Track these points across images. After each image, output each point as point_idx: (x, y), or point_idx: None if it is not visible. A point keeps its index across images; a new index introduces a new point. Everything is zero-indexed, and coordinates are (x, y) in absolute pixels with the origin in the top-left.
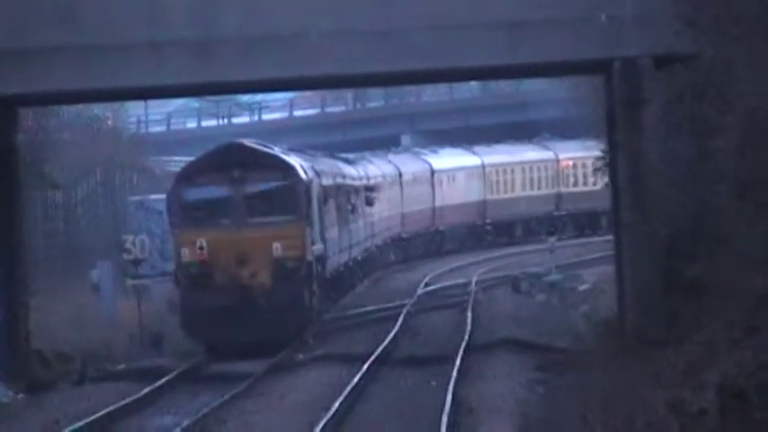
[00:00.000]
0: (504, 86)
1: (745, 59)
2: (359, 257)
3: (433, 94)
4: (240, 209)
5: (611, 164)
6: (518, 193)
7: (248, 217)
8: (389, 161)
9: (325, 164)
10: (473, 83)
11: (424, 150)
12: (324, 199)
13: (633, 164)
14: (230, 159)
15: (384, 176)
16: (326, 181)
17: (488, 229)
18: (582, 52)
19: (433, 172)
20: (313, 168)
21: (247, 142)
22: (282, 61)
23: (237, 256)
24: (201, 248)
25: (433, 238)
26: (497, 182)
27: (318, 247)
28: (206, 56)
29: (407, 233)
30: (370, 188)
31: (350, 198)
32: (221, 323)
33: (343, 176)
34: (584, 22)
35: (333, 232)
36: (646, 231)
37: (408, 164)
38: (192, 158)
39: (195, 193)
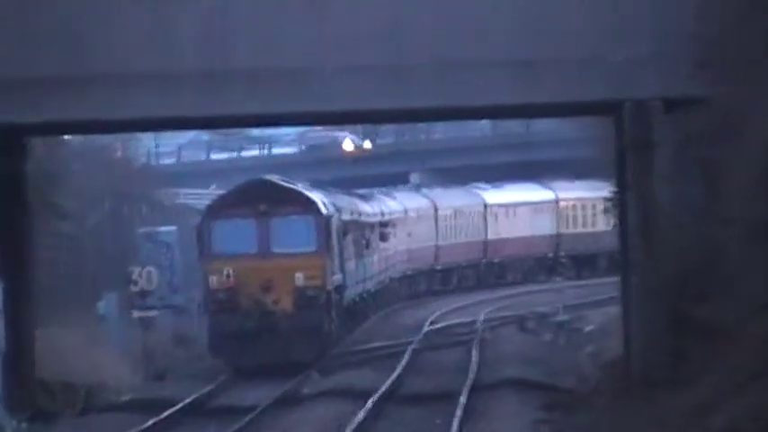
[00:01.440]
0: (514, 126)
1: (759, 103)
2: (373, 290)
3: (444, 131)
4: (265, 240)
5: (620, 205)
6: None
7: (273, 248)
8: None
9: (344, 200)
10: (484, 121)
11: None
12: (343, 233)
13: (643, 205)
14: (257, 194)
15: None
16: (345, 216)
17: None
18: (592, 93)
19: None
20: (333, 204)
21: (273, 178)
22: (292, 96)
23: (262, 284)
24: (228, 276)
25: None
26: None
27: (338, 277)
28: (215, 88)
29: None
30: (384, 224)
31: (365, 233)
32: (245, 346)
33: (359, 213)
34: (595, 62)
35: (351, 264)
36: (654, 273)
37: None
38: (221, 191)
39: (223, 225)
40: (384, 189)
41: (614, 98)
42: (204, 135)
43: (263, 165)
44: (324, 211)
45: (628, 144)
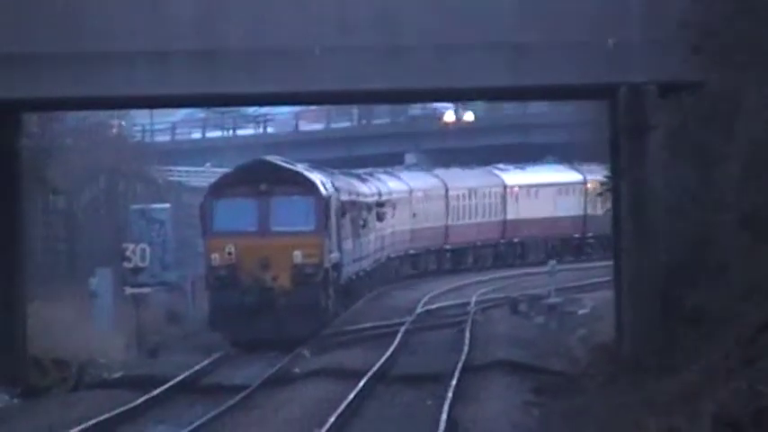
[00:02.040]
0: (509, 108)
1: (752, 88)
2: (369, 268)
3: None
4: (265, 219)
5: (613, 189)
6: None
7: (272, 227)
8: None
9: (342, 181)
10: (479, 103)
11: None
12: (341, 213)
13: (636, 190)
14: (258, 174)
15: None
16: (344, 197)
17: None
18: (587, 77)
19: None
20: (332, 184)
21: (273, 159)
22: (287, 75)
23: (261, 261)
24: (230, 253)
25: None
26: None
27: (335, 255)
28: (211, 67)
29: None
30: (381, 204)
31: (362, 213)
32: (245, 321)
33: (357, 194)
34: (591, 46)
35: (348, 243)
36: (646, 258)
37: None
38: (217, 170)
39: (225, 204)
40: (390, 169)
41: (609, 82)
42: (199, 113)
43: (258, 143)
44: (323, 191)
45: (622, 128)
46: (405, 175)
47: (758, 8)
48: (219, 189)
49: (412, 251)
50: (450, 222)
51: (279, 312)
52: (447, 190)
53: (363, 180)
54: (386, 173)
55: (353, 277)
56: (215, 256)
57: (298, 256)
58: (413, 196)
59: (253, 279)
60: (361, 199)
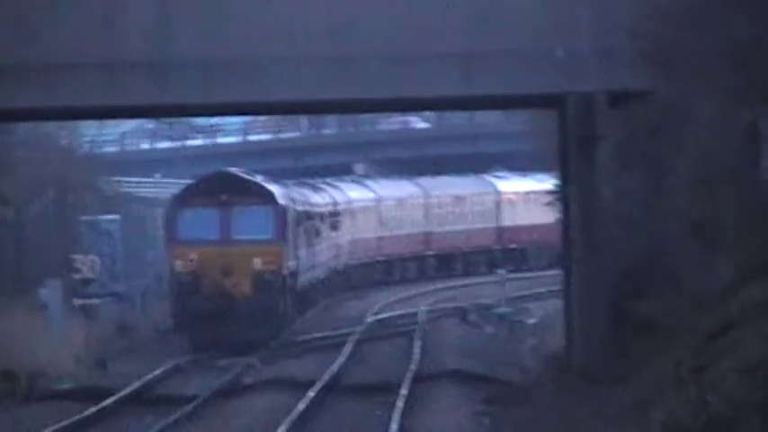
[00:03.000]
0: (458, 118)
1: (701, 98)
2: (322, 276)
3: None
4: (227, 228)
5: (563, 199)
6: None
7: (233, 235)
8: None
9: (298, 192)
10: (428, 113)
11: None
12: (296, 222)
13: (585, 200)
14: (219, 186)
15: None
16: (299, 207)
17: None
18: (536, 86)
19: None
20: (289, 195)
21: (234, 171)
22: (236, 86)
23: (223, 269)
24: (192, 261)
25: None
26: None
27: (292, 263)
28: (161, 78)
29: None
30: (335, 214)
31: (315, 223)
32: (207, 325)
33: (311, 204)
34: (540, 55)
35: (302, 252)
36: (596, 267)
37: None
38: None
39: (188, 214)
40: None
41: (558, 91)
42: (149, 124)
43: (208, 154)
44: (281, 202)
45: (571, 138)
46: (374, 183)
47: (701, 17)
48: (183, 199)
49: (380, 258)
50: (430, 230)
51: (239, 317)
52: (427, 198)
53: (317, 190)
54: (353, 181)
55: (308, 284)
56: (178, 264)
57: (258, 263)
58: (381, 204)
59: (214, 285)
60: (315, 209)
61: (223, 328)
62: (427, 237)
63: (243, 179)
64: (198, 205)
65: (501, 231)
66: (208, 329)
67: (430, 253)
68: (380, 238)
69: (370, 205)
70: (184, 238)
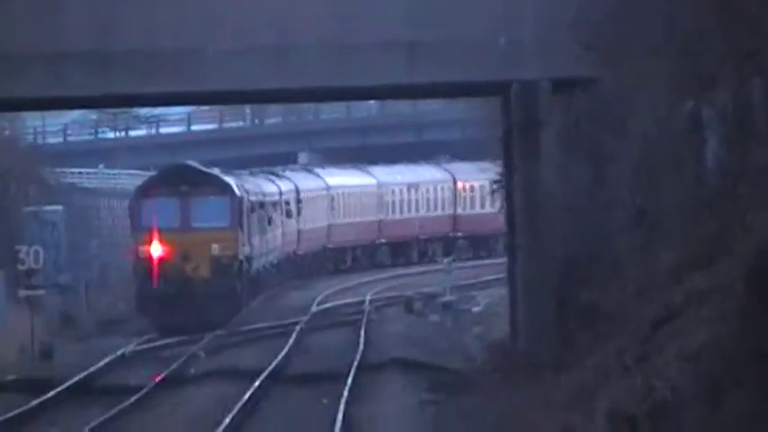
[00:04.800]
0: (402, 106)
1: (642, 85)
2: (275, 261)
3: (331, 112)
4: (186, 217)
5: (506, 187)
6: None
7: (193, 223)
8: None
9: (251, 183)
10: (371, 102)
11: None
12: (250, 211)
13: (529, 187)
14: (179, 178)
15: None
16: (252, 197)
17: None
18: (480, 74)
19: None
20: (243, 186)
21: (193, 164)
22: (179, 76)
23: (183, 254)
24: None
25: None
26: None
27: (247, 248)
28: (104, 68)
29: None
30: (288, 202)
31: (268, 211)
32: (169, 307)
33: (263, 194)
34: (483, 43)
35: (256, 239)
36: (540, 255)
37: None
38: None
39: (151, 204)
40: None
41: (501, 79)
42: (92, 114)
43: (151, 144)
44: (237, 192)
45: (514, 125)
46: (324, 172)
47: (641, 5)
48: (145, 190)
49: (330, 246)
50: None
51: (199, 299)
52: (379, 186)
53: (270, 180)
54: (305, 170)
55: (261, 269)
56: (141, 249)
57: (215, 248)
58: (331, 193)
59: (175, 269)
60: (268, 198)
61: (183, 310)
62: (380, 225)
63: (201, 171)
64: (160, 195)
65: (456, 219)
66: (168, 311)
67: (383, 241)
68: (331, 226)
69: (322, 194)
70: (148, 226)
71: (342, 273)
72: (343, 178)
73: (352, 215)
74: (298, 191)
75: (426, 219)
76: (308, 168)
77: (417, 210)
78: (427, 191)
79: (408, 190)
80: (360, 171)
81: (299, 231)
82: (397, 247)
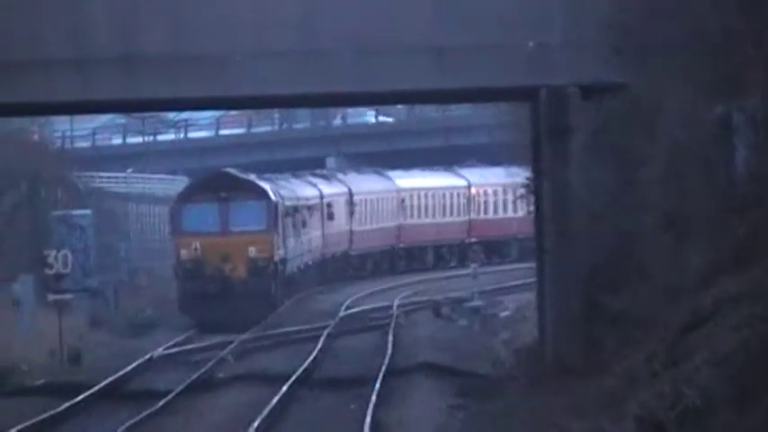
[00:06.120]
0: (430, 111)
1: (672, 89)
2: (310, 263)
3: (359, 116)
4: (225, 221)
5: (535, 191)
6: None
7: (231, 227)
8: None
9: (286, 187)
10: (400, 107)
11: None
12: (285, 215)
13: (558, 192)
14: (218, 184)
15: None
16: (288, 202)
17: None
18: (508, 79)
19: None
20: (278, 192)
21: (232, 171)
22: (206, 81)
23: (222, 256)
24: (195, 249)
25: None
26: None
27: (282, 251)
28: (130, 73)
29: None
30: (329, 205)
31: (303, 215)
32: (208, 305)
33: (298, 198)
34: (512, 48)
35: (291, 242)
36: (568, 260)
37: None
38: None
39: (192, 208)
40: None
41: (531, 84)
42: (120, 119)
43: (179, 149)
44: (272, 197)
45: (543, 130)
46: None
47: (670, 9)
48: (186, 196)
49: (353, 252)
50: (403, 222)
51: (236, 298)
52: (399, 191)
53: (308, 183)
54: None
55: (296, 270)
56: (183, 252)
57: (252, 251)
58: (354, 198)
59: (215, 270)
60: (302, 202)
61: (222, 308)
62: (399, 230)
63: (239, 178)
64: (200, 201)
65: (473, 224)
66: (208, 309)
67: (401, 246)
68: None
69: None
70: (189, 230)
71: (364, 279)
72: (365, 184)
73: (373, 221)
74: (322, 196)
75: (442, 224)
76: (330, 174)
77: (434, 215)
78: (443, 196)
79: (426, 195)
80: (379, 176)
81: (331, 234)
82: (414, 253)
